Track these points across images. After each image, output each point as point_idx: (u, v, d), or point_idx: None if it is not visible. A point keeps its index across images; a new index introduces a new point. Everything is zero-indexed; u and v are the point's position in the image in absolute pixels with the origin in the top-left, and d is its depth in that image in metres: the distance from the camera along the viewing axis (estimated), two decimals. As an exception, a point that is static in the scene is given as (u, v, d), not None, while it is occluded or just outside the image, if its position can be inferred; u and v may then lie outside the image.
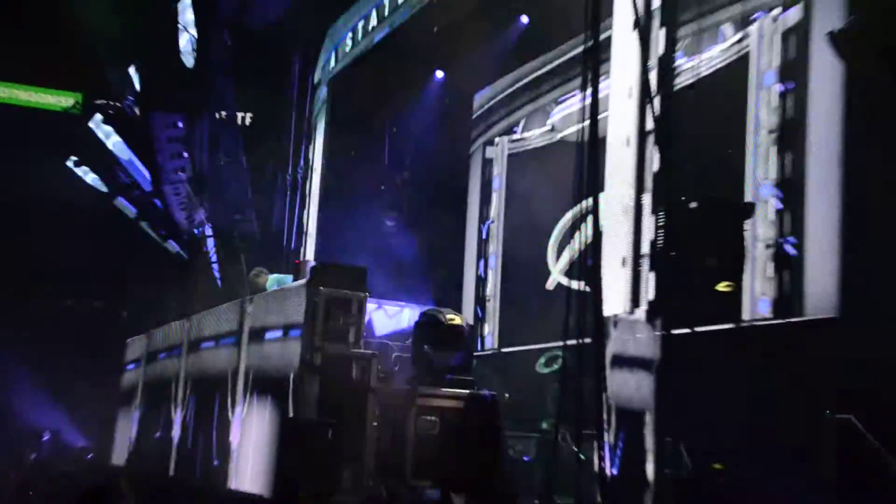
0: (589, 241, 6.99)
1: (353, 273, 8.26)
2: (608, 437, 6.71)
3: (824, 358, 7.21)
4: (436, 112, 14.75)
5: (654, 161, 7.87)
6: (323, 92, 17.33)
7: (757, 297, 8.44)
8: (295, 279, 9.36)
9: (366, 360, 8.03)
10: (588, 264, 7.11)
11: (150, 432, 12.35)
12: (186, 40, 16.57)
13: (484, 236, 13.99)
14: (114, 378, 15.42)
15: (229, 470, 9.13)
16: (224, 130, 16.95)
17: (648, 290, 7.61)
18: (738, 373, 7.18)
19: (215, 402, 9.83)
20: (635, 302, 7.87)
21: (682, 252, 7.00)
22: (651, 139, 7.81)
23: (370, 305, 8.54)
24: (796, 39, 8.53)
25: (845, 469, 6.46)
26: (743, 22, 9.08)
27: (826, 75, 8.03)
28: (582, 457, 7.26)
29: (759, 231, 8.49)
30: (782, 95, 8.60)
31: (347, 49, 16.01)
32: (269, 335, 8.91)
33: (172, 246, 19.06)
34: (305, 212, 17.63)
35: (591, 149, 6.84)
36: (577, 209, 7.17)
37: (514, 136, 13.54)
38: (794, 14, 8.56)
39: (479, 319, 13.51)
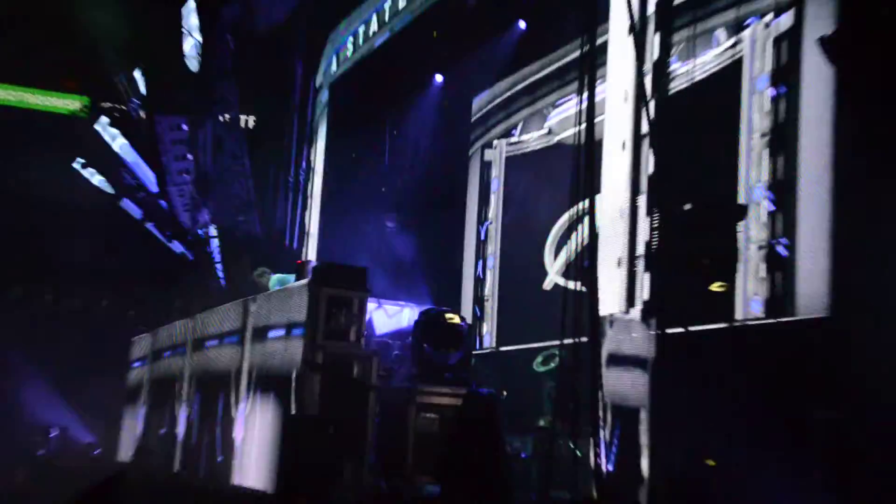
0: (585, 242, 6.99)
1: (353, 273, 8.26)
2: (604, 434, 6.71)
3: (815, 356, 7.22)
4: (435, 115, 14.76)
5: (649, 164, 7.88)
6: (324, 95, 17.34)
7: (749, 296, 8.44)
8: (297, 279, 9.35)
9: (366, 359, 8.03)
10: (584, 265, 7.11)
11: (155, 429, 12.35)
12: (191, 45, 16.58)
13: (482, 237, 13.99)
14: (120, 376, 15.41)
15: (233, 466, 9.13)
16: (228, 133, 16.96)
17: (643, 290, 7.61)
18: (730, 371, 7.18)
19: (219, 400, 9.83)
20: (631, 302, 7.87)
21: (676, 253, 7.00)
22: (646, 142, 7.81)
23: (371, 305, 8.56)
24: (788, 45, 8.53)
25: (833, 464, 6.47)
26: (736, 27, 9.08)
27: (817, 80, 8.03)
28: (578, 453, 7.27)
29: (752, 232, 8.49)
30: (774, 99, 8.60)
31: (349, 53, 16.02)
32: (271, 334, 8.90)
33: (177, 246, 19.05)
34: (307, 213, 17.64)
35: (588, 152, 6.85)
36: (573, 211, 7.17)
37: (512, 139, 13.54)
38: (786, 20, 8.56)
39: (478, 319, 13.51)
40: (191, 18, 16.50)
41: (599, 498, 6.64)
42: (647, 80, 7.77)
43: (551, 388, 9.17)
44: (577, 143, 6.90)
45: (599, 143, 7.63)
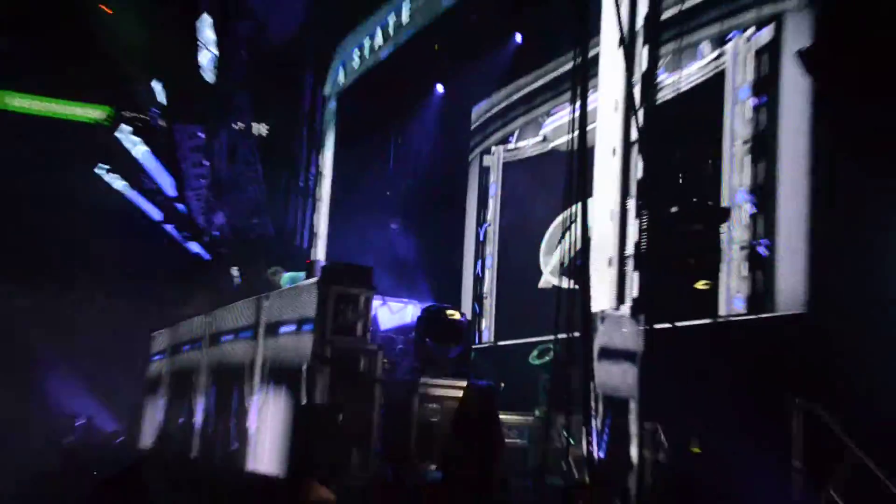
0: (578, 242, 6.98)
1: (360, 272, 8.25)
2: (595, 423, 6.70)
3: (793, 350, 7.21)
4: (437, 123, 14.74)
5: (638, 169, 7.85)
6: (332, 105, 17.30)
7: (732, 294, 8.43)
8: (307, 277, 9.35)
9: (372, 352, 8.03)
10: (577, 264, 7.09)
11: (174, 418, 12.34)
12: (207, 58, 16.56)
13: (481, 238, 13.97)
14: (141, 368, 15.41)
15: (247, 452, 9.12)
16: (241, 140, 16.95)
17: (633, 288, 7.58)
18: (714, 364, 7.17)
19: (234, 391, 9.82)
20: (621, 299, 7.84)
21: (663, 253, 6.99)
22: (635, 149, 7.78)
23: (376, 302, 8.54)
24: (768, 57, 8.53)
25: (811, 452, 6.46)
26: (719, 41, 9.07)
27: (795, 90, 8.03)
28: (571, 441, 7.26)
29: (735, 234, 8.48)
30: (755, 109, 8.59)
31: (355, 65, 15.98)
32: (283, 329, 8.90)
33: (194, 247, 19.04)
34: (316, 215, 17.59)
35: (580, 158, 6.84)
36: (567, 213, 7.16)
37: (509, 146, 13.52)
38: (766, 34, 8.56)
39: (477, 315, 13.49)
40: (207, 33, 16.48)
41: (591, 483, 6.62)
42: (636, 91, 7.75)
43: (546, 380, 9.16)
44: (570, 150, 6.89)
45: (591, 150, 7.62)
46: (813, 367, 6.77)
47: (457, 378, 8.01)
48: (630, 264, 7.72)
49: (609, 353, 7.53)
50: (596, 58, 8.38)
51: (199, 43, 15.97)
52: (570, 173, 6.89)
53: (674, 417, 6.80)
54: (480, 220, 14.06)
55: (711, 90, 9.02)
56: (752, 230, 8.38)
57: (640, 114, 7.59)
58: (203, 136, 16.20)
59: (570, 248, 7.02)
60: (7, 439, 14.19)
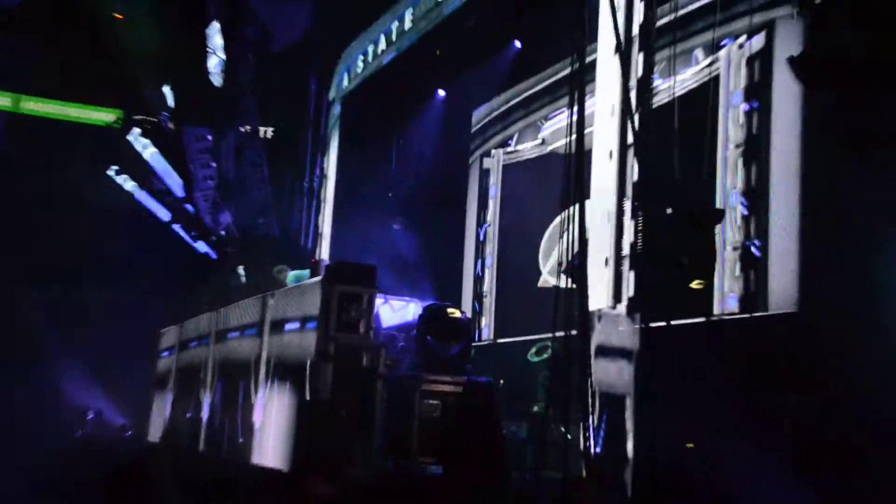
0: (576, 243, 6.96)
1: (363, 271, 8.22)
2: (593, 419, 6.67)
3: (785, 348, 7.19)
4: (438, 127, 14.71)
5: (634, 171, 7.85)
6: (337, 109, 17.29)
7: (726, 293, 8.41)
8: (311, 276, 9.32)
9: (375, 350, 8.00)
10: (575, 264, 7.07)
11: (182, 412, 12.31)
12: (215, 63, 16.53)
13: (481, 238, 13.95)
14: (150, 364, 15.39)
15: (252, 446, 9.10)
16: (248, 143, 16.91)
17: (629, 288, 7.59)
18: (709, 361, 7.15)
19: (240, 386, 9.80)
20: (617, 298, 7.84)
21: (659, 253, 6.97)
22: (631, 152, 7.78)
23: (378, 300, 8.50)
24: (760, 64, 8.51)
25: (802, 446, 6.45)
26: (713, 48, 9.05)
27: (787, 96, 8.01)
28: (569, 436, 7.23)
29: (728, 235, 8.46)
30: (748, 114, 8.57)
31: (359, 70, 15.98)
32: (288, 327, 8.88)
33: (202, 246, 19.00)
34: (321, 216, 17.59)
35: (578, 160, 6.81)
36: (564, 214, 7.14)
37: (509, 149, 13.50)
38: (758, 41, 8.53)
39: (477, 313, 13.47)
40: (215, 38, 16.46)
41: (588, 477, 6.60)
42: (632, 96, 7.75)
43: (544, 376, 9.14)
44: (568, 153, 6.86)
45: (589, 153, 7.59)
46: (804, 365, 6.76)
47: (457, 375, 7.98)
48: (626, 264, 7.72)
49: (606, 351, 7.52)
50: (593, 63, 8.38)
51: (208, 49, 15.94)
52: (567, 175, 6.87)
53: (668, 413, 6.78)
54: (480, 221, 14.04)
55: (705, 95, 8.98)
56: (745, 231, 8.36)
57: (636, 118, 7.58)
58: (211, 138, 16.16)
59: (567, 249, 6.99)
60: (21, 432, 14.18)
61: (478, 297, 13.69)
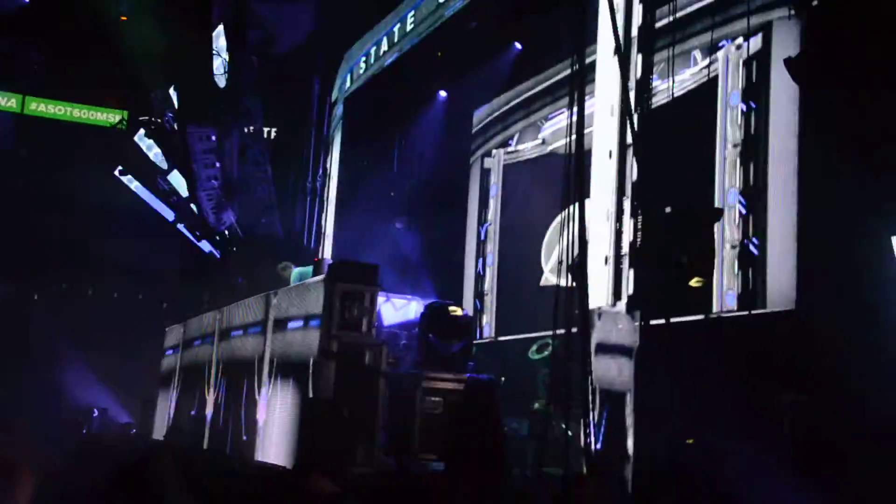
0: (576, 241, 6.95)
1: (365, 270, 8.22)
2: (593, 416, 6.66)
3: (783, 345, 7.19)
4: (439, 127, 14.70)
5: (633, 171, 7.83)
6: (339, 109, 17.29)
7: (724, 291, 8.40)
8: (314, 274, 9.32)
9: (377, 347, 7.99)
10: (575, 262, 7.06)
11: (186, 410, 12.32)
12: (219, 64, 16.51)
13: (482, 237, 13.94)
14: (154, 362, 15.39)
15: (256, 444, 9.10)
16: (252, 143, 16.88)
17: (629, 286, 7.58)
18: (708, 358, 7.15)
19: (244, 384, 9.80)
20: (617, 296, 7.83)
21: (658, 251, 6.96)
22: (631, 151, 7.77)
23: (380, 299, 8.50)
24: (757, 65, 8.51)
25: (799, 442, 6.44)
26: (711, 49, 9.04)
27: (784, 97, 8.01)
28: (570, 433, 7.22)
29: (727, 233, 8.45)
30: (746, 114, 8.57)
31: (361, 71, 15.97)
32: (291, 325, 8.87)
33: (206, 245, 19.00)
34: (323, 215, 17.60)
35: (578, 160, 6.80)
36: (565, 213, 7.13)
37: (509, 149, 13.49)
38: (756, 43, 8.53)
39: (478, 311, 13.46)
40: (220, 40, 16.44)
41: (589, 474, 6.60)
42: (632, 96, 7.73)
43: (545, 374, 9.14)
44: (568, 153, 6.86)
45: (588, 152, 7.59)
46: (801, 362, 6.75)
47: (459, 372, 7.97)
48: (626, 262, 7.71)
49: (606, 348, 7.51)
50: (593, 64, 8.37)
51: (212, 50, 15.93)
52: (568, 175, 6.86)
53: (668, 410, 6.77)
54: (481, 220, 14.03)
55: (704, 96, 8.99)
56: (743, 230, 8.36)
57: (636, 118, 7.57)
58: (214, 138, 16.13)
59: (568, 247, 6.98)
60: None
61: (479, 295, 13.68)
